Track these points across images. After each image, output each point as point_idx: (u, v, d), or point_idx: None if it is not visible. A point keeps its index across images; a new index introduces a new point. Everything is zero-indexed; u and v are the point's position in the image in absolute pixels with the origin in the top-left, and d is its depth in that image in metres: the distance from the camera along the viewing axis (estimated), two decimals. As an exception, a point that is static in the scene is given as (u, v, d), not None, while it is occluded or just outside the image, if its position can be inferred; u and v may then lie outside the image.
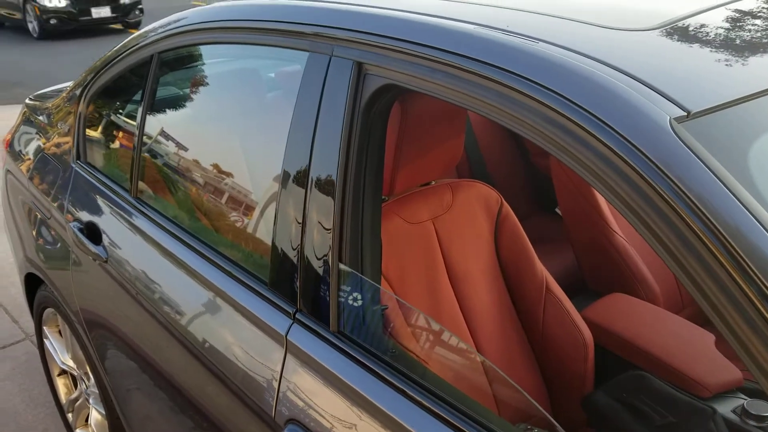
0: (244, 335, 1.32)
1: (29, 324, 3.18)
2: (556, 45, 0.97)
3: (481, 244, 1.63)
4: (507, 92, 0.95)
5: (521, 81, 0.93)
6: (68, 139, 2.12)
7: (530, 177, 2.58)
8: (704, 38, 1.03)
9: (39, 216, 2.19)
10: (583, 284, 2.18)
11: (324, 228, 1.18)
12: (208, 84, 1.76)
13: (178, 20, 1.71)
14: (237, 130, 1.60)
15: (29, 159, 2.34)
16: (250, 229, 1.46)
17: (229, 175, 1.56)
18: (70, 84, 2.63)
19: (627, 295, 1.88)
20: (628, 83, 0.86)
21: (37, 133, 2.39)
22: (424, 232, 1.55)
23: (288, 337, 1.22)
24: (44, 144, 2.29)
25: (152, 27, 1.80)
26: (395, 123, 1.40)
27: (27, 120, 2.53)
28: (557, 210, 2.40)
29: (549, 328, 1.64)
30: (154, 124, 1.76)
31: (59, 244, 2.04)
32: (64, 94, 2.29)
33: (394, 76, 1.12)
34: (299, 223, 1.23)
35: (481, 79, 0.99)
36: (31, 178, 2.27)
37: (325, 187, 1.19)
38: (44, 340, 2.45)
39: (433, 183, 1.63)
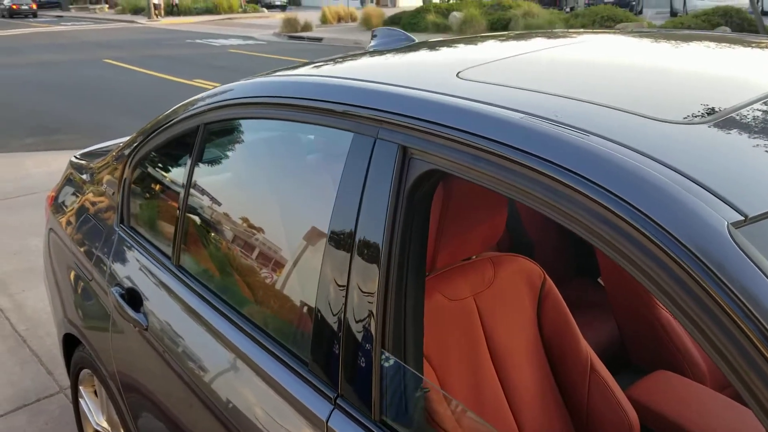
0: (283, 416, 1.30)
1: (63, 377, 3.20)
2: (608, 139, 0.95)
3: (524, 321, 1.60)
4: (556, 186, 0.94)
5: (572, 176, 0.92)
6: (112, 201, 2.16)
7: (572, 242, 2.55)
8: (761, 133, 1.00)
9: (81, 277, 2.22)
10: (626, 356, 2.12)
11: (367, 312, 1.17)
12: (252, 157, 1.78)
13: (224, 92, 1.75)
14: (280, 207, 1.61)
15: (73, 218, 2.38)
16: (291, 307, 1.45)
17: (270, 250, 1.57)
18: (115, 143, 2.70)
19: (673, 373, 1.82)
20: (684, 184, 0.84)
21: (81, 193, 2.44)
22: (465, 309, 1.53)
23: (329, 424, 1.20)
24: (88, 204, 2.34)
25: (200, 96, 1.84)
26: (438, 200, 1.40)
27: (71, 178, 2.59)
28: (600, 280, 2.35)
29: (593, 408, 1.60)
30: (199, 193, 1.78)
31: (99, 308, 2.05)
32: (110, 155, 2.34)
33: (439, 162, 1.12)
34: (341, 306, 1.22)
35: (528, 170, 0.98)
36: (73, 239, 2.30)
37: (368, 270, 1.18)
38: (79, 399, 2.45)
39: (474, 258, 1.61)
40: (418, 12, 22.33)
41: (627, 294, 2.03)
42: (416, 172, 1.16)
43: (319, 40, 21.46)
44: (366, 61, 1.85)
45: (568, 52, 1.58)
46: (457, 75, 1.33)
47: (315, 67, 1.76)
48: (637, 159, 0.90)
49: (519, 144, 1.00)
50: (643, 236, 0.83)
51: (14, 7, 42.07)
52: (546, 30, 1.95)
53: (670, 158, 0.90)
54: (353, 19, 27.28)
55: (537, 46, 1.74)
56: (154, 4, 35.13)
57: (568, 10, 24.18)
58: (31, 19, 40.33)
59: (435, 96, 1.20)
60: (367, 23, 23.48)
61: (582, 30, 1.96)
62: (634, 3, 22.28)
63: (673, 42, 1.73)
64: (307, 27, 23.88)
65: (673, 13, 22.74)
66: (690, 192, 0.83)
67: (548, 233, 2.47)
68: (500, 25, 19.45)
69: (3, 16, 42.95)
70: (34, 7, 43.62)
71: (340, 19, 27.94)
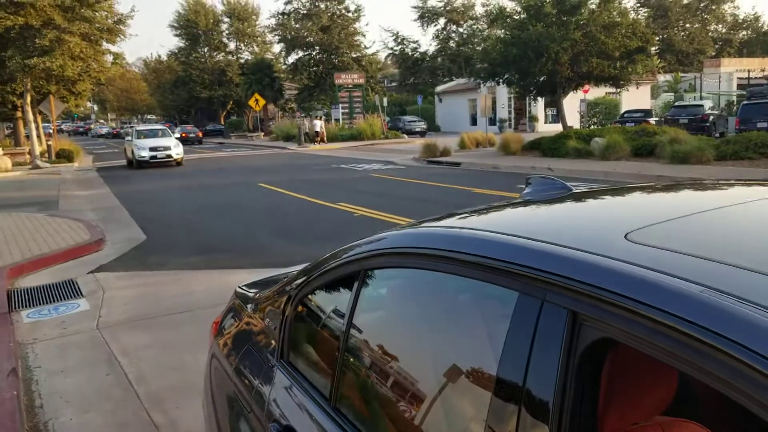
0: None
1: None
2: None
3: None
4: (740, 368, 0.89)
5: (759, 360, 0.86)
6: (274, 335, 2.27)
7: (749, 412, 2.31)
8: None
9: (238, 408, 2.31)
10: None
11: None
12: (412, 304, 1.82)
13: (379, 240, 1.84)
14: (439, 358, 1.61)
15: (234, 348, 2.52)
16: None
17: (427, 401, 1.56)
18: (278, 273, 2.88)
19: None
20: None
21: (244, 324, 2.59)
22: (636, 481, 1.42)
23: None
24: (250, 336, 2.47)
25: (358, 243, 1.94)
26: (608, 364, 1.34)
27: (235, 308, 2.77)
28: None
29: None
30: (358, 336, 1.84)
31: (255, 441, 2.12)
32: (274, 288, 2.48)
33: (612, 331, 1.10)
34: None
35: (709, 349, 0.93)
36: (235, 369, 2.43)
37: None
38: None
39: (644, 423, 1.51)
40: (558, 137, 22.49)
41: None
42: (588, 339, 1.14)
43: (458, 164, 22.08)
44: (522, 213, 1.88)
45: (747, 211, 1.52)
46: (625, 237, 1.31)
47: (461, 218, 1.81)
48: None
49: (698, 320, 0.96)
50: None
51: (183, 135, 47.39)
52: (713, 180, 1.90)
53: None
54: (491, 144, 27.95)
55: (708, 203, 1.69)
56: (316, 132, 38.80)
57: (717, 135, 23.36)
58: (196, 146, 45.06)
59: (605, 261, 1.19)
60: (505, 148, 23.95)
61: (755, 180, 1.88)
62: (791, 128, 21.09)
63: None
64: (445, 152, 24.73)
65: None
66: None
67: (723, 397, 2.27)
68: (645, 151, 19.05)
69: (174, 143, 48.41)
70: (200, 135, 48.93)
71: (478, 144, 28.74)
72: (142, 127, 32.33)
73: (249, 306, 2.63)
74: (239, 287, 2.91)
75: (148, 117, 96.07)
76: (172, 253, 9.36)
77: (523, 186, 2.20)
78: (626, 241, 1.30)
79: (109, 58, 33.06)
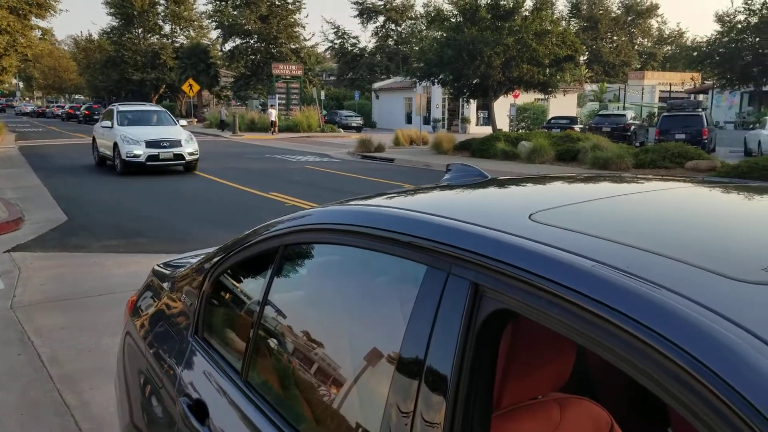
0: None
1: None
2: (680, 294, 0.97)
3: (589, 469, 1.55)
4: (626, 338, 0.95)
5: (643, 329, 0.93)
6: (189, 312, 2.26)
7: (641, 388, 2.46)
8: None
9: (151, 383, 2.29)
10: None
11: None
12: (326, 280, 1.86)
13: (303, 217, 1.86)
14: (350, 331, 1.65)
15: (149, 324, 2.49)
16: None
17: (337, 374, 1.60)
18: (197, 254, 2.85)
19: None
20: (755, 345, 0.85)
21: (160, 301, 2.56)
22: (529, 452, 1.49)
23: None
24: (165, 312, 2.45)
25: (281, 219, 1.96)
26: (507, 336, 1.41)
27: (152, 285, 2.73)
28: (670, 429, 2.25)
29: None
30: (272, 312, 1.85)
31: (167, 415, 2.10)
32: (191, 267, 2.46)
33: (510, 302, 1.16)
34: None
35: (597, 319, 1.00)
36: (148, 344, 2.40)
37: (435, 401, 1.20)
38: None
39: (541, 398, 1.59)
40: (487, 139, 22.99)
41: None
42: (487, 310, 1.19)
43: (391, 160, 22.23)
44: (440, 195, 1.94)
45: (641, 199, 1.62)
46: (529, 217, 1.38)
47: (388, 197, 1.86)
48: (708, 317, 0.91)
49: (589, 292, 1.03)
50: (721, 402, 0.83)
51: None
52: (616, 173, 1.99)
53: (742, 318, 0.91)
54: (425, 143, 28.26)
55: (608, 191, 1.80)
56: (271, 121, 38.21)
57: (637, 144, 24.37)
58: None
59: (508, 237, 1.25)
60: (437, 147, 24.29)
61: (653, 176, 2.01)
62: (706, 141, 22.23)
63: (751, 194, 1.74)
64: (380, 148, 24.86)
65: (748, 153, 22.56)
66: (761, 353, 0.83)
67: (616, 375, 2.41)
68: (568, 156, 19.71)
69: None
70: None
71: (412, 142, 29.01)
72: (127, 107, 19.38)
73: (166, 284, 2.60)
74: (157, 265, 2.87)
75: (76, 97, 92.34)
76: (94, 236, 9.08)
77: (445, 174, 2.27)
78: (530, 220, 1.37)
79: (38, 33, 31.54)
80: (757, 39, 15.48)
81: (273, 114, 38.90)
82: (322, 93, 45.78)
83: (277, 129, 38.29)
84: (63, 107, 67.38)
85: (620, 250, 1.16)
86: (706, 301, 0.95)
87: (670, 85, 42.18)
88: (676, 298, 0.96)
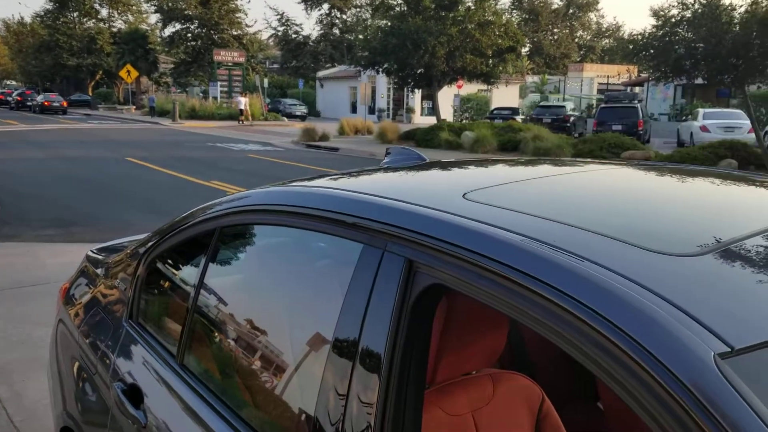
0: None
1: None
2: (603, 266, 1.01)
3: (521, 440, 1.60)
4: (552, 308, 0.99)
5: (567, 299, 0.97)
6: (124, 297, 2.21)
7: (572, 363, 2.54)
8: (753, 267, 1.06)
9: (84, 370, 2.23)
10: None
11: (365, 423, 1.19)
12: (264, 262, 1.85)
13: (241, 198, 1.84)
14: (287, 312, 1.65)
15: (83, 311, 2.43)
16: (291, 414, 1.47)
17: (274, 355, 1.60)
18: (132, 239, 2.79)
19: None
20: (673, 314, 0.89)
21: (94, 286, 2.50)
22: (463, 425, 1.53)
23: None
24: (99, 298, 2.39)
25: (218, 201, 1.94)
26: (440, 313, 1.44)
27: (86, 271, 2.66)
28: (599, 404, 2.34)
29: None
30: (208, 294, 1.84)
31: (100, 402, 2.06)
32: (125, 252, 2.41)
33: (443, 277, 1.18)
34: (340, 416, 1.24)
35: (526, 291, 1.03)
36: (81, 331, 2.34)
37: (369, 380, 1.21)
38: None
39: (474, 373, 1.63)
40: (432, 129, 23.17)
41: (625, 419, 2.02)
42: (421, 285, 1.21)
43: (336, 150, 22.16)
44: (379, 176, 1.96)
45: (573, 180, 1.68)
46: (463, 196, 1.41)
47: (330, 179, 1.86)
48: (627, 285, 0.95)
49: (518, 265, 1.06)
50: (633, 362, 0.87)
51: (46, 103, 44.01)
52: (553, 157, 2.05)
53: (662, 288, 0.95)
54: (369, 132, 28.24)
55: (542, 173, 1.85)
56: (240, 110, 35.54)
57: (576, 135, 25.00)
58: (60, 116, 42.06)
59: (441, 214, 1.28)
60: (382, 137, 24.31)
61: (589, 160, 2.07)
62: (641, 132, 22.98)
63: (677, 176, 1.82)
64: (324, 137, 24.73)
65: (680, 144, 23.42)
66: (679, 322, 0.87)
67: (548, 353, 2.48)
68: (510, 146, 20.08)
69: (34, 111, 44.82)
70: (65, 104, 45.64)
71: (357, 132, 28.95)
72: None
73: (100, 269, 2.54)
74: (91, 251, 2.80)
75: (8, 83, 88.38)
76: (28, 225, 8.77)
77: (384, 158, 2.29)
78: (463, 199, 1.39)
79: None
80: (689, 33, 16.02)
81: (243, 102, 36.11)
82: (266, 81, 45.10)
83: (251, 117, 35.93)
84: None
85: (550, 226, 1.20)
86: (628, 272, 0.99)
87: (608, 77, 43.30)
88: (598, 269, 1.00)
